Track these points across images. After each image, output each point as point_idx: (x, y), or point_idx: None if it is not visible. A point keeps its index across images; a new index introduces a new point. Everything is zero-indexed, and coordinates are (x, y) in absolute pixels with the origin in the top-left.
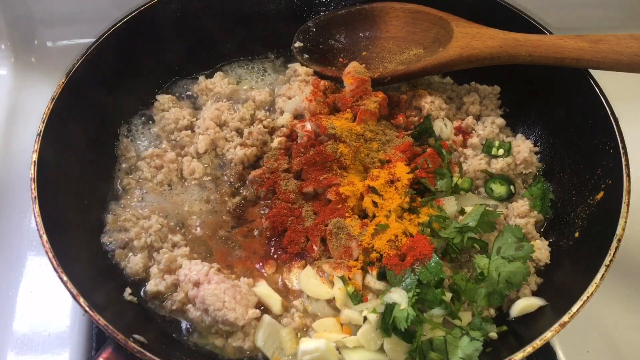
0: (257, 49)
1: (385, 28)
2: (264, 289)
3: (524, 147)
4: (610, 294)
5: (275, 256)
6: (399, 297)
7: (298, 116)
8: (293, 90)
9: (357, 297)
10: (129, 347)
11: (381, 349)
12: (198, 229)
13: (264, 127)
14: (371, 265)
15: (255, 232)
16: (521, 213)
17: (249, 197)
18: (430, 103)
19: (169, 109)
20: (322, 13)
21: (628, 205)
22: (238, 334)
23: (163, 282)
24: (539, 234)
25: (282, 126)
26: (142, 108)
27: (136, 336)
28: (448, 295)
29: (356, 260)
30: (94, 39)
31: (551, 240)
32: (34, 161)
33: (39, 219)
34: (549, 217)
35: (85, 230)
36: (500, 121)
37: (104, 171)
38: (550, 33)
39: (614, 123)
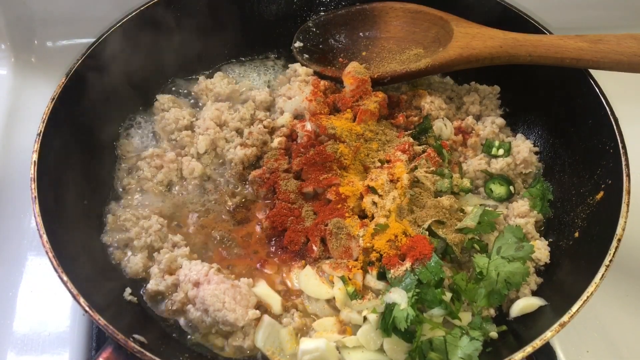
0: (257, 49)
1: (385, 28)
2: (263, 289)
3: (523, 147)
4: (610, 294)
5: (275, 256)
6: (399, 297)
7: (298, 116)
8: (293, 90)
9: (358, 297)
10: (129, 347)
11: (381, 349)
12: (198, 229)
13: (264, 127)
14: (371, 265)
15: (255, 232)
16: (521, 213)
17: (249, 197)
18: (430, 103)
19: (169, 109)
20: (322, 13)
21: (628, 205)
22: (238, 334)
23: (163, 282)
24: (539, 234)
25: (282, 126)
26: (142, 108)
27: (136, 336)
28: (448, 295)
29: (356, 260)
30: (94, 39)
31: (551, 240)
32: (34, 161)
33: (39, 219)
34: (549, 217)
35: (85, 230)
36: (500, 121)
37: (104, 171)
38: (550, 33)
39: (614, 123)
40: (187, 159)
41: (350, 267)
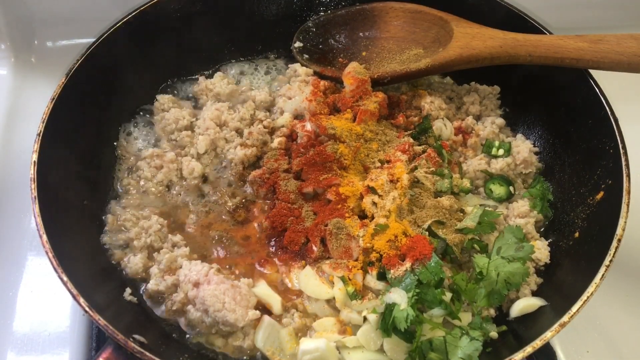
0: (257, 49)
1: (385, 28)
2: (263, 289)
3: (523, 147)
4: (610, 294)
5: (275, 256)
6: (399, 297)
7: (298, 116)
8: (293, 90)
9: (358, 297)
10: (129, 347)
11: (381, 349)
12: (198, 229)
13: (264, 127)
14: (371, 265)
15: (255, 232)
16: (521, 213)
17: (249, 197)
18: (430, 103)
19: (169, 109)
20: (322, 13)
21: (628, 205)
22: (238, 334)
23: (163, 282)
24: (539, 234)
25: (282, 126)
26: (142, 108)
27: (136, 336)
28: (448, 296)
29: (356, 260)
30: (94, 39)
31: (551, 240)
32: (34, 161)
33: (39, 219)
34: (549, 217)
35: (85, 230)
36: (500, 121)
37: (104, 171)
38: (550, 33)
39: (614, 123)
40: (187, 159)
41: (350, 267)
